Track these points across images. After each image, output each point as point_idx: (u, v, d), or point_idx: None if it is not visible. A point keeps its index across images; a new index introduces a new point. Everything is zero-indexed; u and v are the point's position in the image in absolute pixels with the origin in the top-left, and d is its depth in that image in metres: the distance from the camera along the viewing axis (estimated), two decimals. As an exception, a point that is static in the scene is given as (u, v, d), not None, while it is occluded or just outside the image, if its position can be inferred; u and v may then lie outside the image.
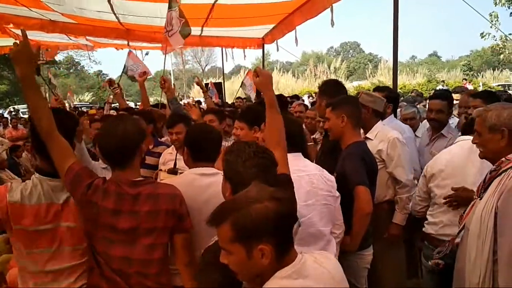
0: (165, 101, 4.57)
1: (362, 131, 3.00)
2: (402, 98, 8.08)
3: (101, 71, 48.79)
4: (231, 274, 1.32)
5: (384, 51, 66.53)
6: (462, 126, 3.00)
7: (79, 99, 33.14)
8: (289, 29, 7.48)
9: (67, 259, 1.91)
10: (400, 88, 22.07)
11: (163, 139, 4.14)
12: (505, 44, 18.94)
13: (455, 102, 4.01)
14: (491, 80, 30.16)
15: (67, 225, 1.90)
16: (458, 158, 2.60)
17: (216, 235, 1.33)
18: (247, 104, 8.81)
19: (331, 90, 3.12)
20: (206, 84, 11.98)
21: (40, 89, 1.95)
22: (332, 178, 2.46)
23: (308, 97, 16.12)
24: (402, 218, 3.04)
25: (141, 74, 5.50)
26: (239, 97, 10.21)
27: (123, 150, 1.91)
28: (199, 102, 11.70)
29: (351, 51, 64.89)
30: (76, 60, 40.07)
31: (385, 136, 3.01)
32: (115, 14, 6.86)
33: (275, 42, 8.79)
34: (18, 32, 6.78)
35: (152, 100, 19.81)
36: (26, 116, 14.09)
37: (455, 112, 4.28)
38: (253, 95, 8.80)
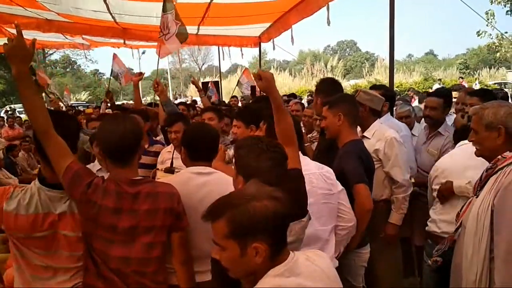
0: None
1: (359, 129, 3.00)
2: (398, 97, 8.12)
3: (98, 70, 48.78)
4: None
5: (380, 49, 67.00)
6: (455, 132, 3.03)
7: (75, 98, 33.09)
8: (285, 27, 7.51)
9: (64, 261, 1.89)
10: (397, 87, 22.17)
11: (158, 138, 4.14)
12: (501, 42, 19.04)
13: (454, 100, 4.01)
14: (488, 78, 30.31)
15: (64, 233, 1.88)
16: (460, 159, 2.61)
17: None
18: (244, 103, 8.82)
19: (328, 88, 3.12)
20: (205, 83, 12.00)
21: (36, 87, 1.92)
22: (332, 175, 2.43)
23: (308, 96, 16.04)
24: (398, 218, 3.03)
25: (137, 75, 5.50)
26: (234, 96, 10.19)
27: (125, 147, 1.90)
28: (195, 102, 11.72)
29: (348, 49, 64.99)
30: (73, 59, 40.12)
31: (383, 135, 3.00)
32: (111, 13, 6.85)
33: (272, 40, 8.81)
34: (14, 31, 6.75)
35: (148, 99, 19.81)
36: (22, 115, 14.00)
37: (453, 110, 4.29)
38: (248, 93, 8.83)
